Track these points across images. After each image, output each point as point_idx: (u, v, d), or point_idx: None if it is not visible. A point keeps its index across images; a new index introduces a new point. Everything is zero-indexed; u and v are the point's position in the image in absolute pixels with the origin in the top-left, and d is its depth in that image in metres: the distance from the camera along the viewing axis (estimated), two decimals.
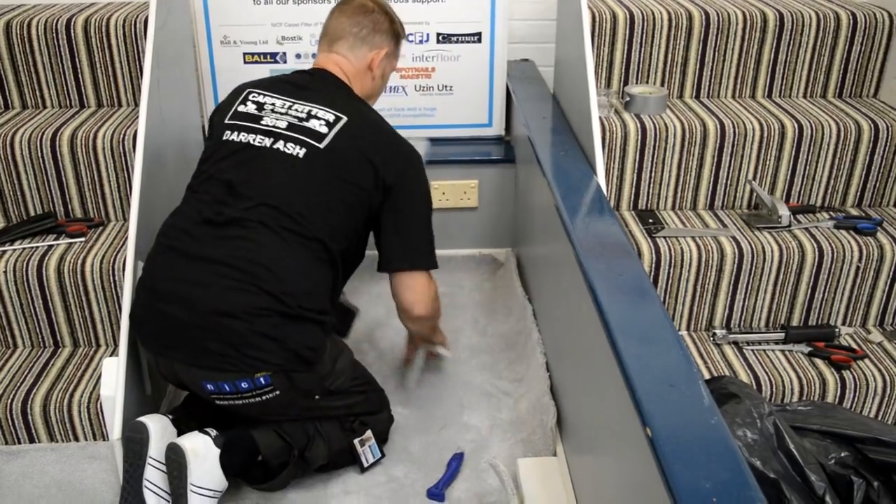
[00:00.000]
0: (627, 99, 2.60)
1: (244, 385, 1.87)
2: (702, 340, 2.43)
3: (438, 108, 3.01)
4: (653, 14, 2.64)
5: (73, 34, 2.58)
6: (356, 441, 2.10)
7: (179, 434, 1.94)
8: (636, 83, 2.72)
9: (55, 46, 2.59)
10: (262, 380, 1.87)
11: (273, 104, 2.10)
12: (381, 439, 2.18)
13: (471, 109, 3.02)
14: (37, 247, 2.35)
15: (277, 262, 1.92)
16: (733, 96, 2.76)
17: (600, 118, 2.42)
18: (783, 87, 2.75)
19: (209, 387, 1.89)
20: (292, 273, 1.93)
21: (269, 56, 2.93)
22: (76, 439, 2.22)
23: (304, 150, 2.00)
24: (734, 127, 2.51)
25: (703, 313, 2.45)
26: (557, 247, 2.12)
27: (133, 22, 2.57)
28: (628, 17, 2.63)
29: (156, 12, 2.35)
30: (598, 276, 1.76)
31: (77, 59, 2.61)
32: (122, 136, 2.44)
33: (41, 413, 2.17)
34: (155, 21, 2.34)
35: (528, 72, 3.17)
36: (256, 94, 2.14)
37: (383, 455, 2.16)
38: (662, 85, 2.73)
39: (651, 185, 2.58)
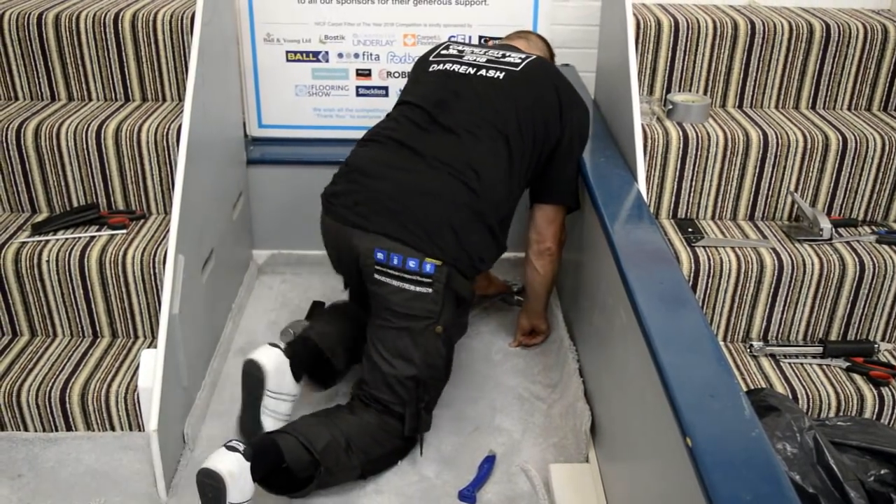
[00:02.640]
0: (670, 107, 2.59)
1: (411, 264, 2.03)
2: (738, 352, 2.41)
3: None
4: (698, 22, 2.62)
5: (120, 28, 2.61)
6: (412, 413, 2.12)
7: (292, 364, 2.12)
8: (679, 91, 2.70)
9: (102, 40, 2.62)
10: (428, 266, 2.03)
11: (473, 50, 2.41)
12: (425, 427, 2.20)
13: None
14: (79, 237, 2.37)
15: (482, 165, 2.14)
16: (777, 107, 2.74)
17: (642, 125, 2.41)
18: (828, 99, 2.73)
19: (379, 255, 2.04)
20: (493, 180, 2.14)
21: (311, 55, 2.94)
22: (112, 429, 2.24)
23: (503, 74, 2.28)
24: (777, 138, 2.49)
25: (740, 324, 2.44)
26: (596, 253, 2.11)
27: (180, 18, 2.60)
28: (673, 24, 2.62)
29: (202, 9, 2.38)
30: (639, 284, 1.75)
31: (124, 53, 2.64)
32: (165, 130, 2.46)
33: (79, 402, 2.20)
34: (201, 17, 2.36)
35: (569, 77, 3.15)
36: (457, 45, 2.47)
37: (408, 445, 2.18)
38: (705, 94, 2.71)
39: (691, 194, 2.57)
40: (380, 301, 2.09)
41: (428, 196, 2.08)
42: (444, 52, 2.43)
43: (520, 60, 2.32)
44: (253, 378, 2.07)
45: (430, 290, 2.04)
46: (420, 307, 2.06)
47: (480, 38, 2.91)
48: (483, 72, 2.29)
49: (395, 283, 2.05)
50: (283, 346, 2.15)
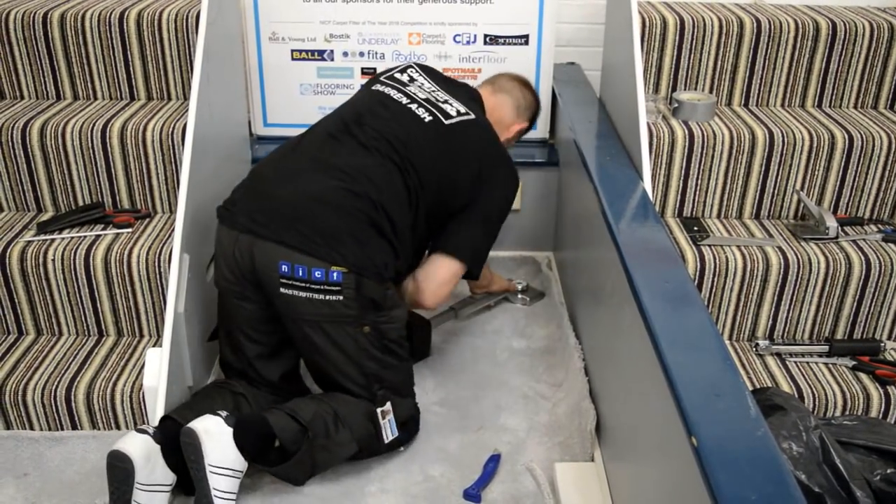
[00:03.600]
0: (675, 105, 2.58)
1: (317, 274, 1.96)
2: (744, 350, 2.41)
3: None
4: (703, 20, 2.62)
5: (125, 27, 2.61)
6: (378, 411, 2.10)
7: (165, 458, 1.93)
8: (684, 89, 2.70)
9: (108, 39, 2.62)
10: (335, 275, 1.97)
11: (422, 84, 2.34)
12: (401, 423, 2.16)
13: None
14: (84, 236, 2.38)
15: (381, 181, 2.09)
16: (783, 105, 2.73)
17: (647, 124, 2.40)
18: (834, 97, 2.72)
19: (283, 267, 1.97)
20: (390, 196, 2.09)
21: (316, 53, 2.94)
22: (118, 428, 2.25)
23: (430, 118, 2.22)
24: (783, 136, 2.48)
25: (746, 323, 2.43)
26: (601, 251, 2.11)
27: (185, 16, 2.60)
28: (678, 22, 2.62)
29: (207, 7, 2.37)
30: (644, 283, 1.74)
31: (129, 52, 2.65)
32: (171, 129, 2.46)
33: (84, 401, 2.20)
34: (206, 16, 2.36)
35: (574, 75, 3.16)
36: (414, 71, 2.39)
37: (402, 437, 2.15)
38: (711, 92, 2.70)
39: (697, 193, 2.56)
40: (291, 314, 2.04)
41: (326, 204, 2.03)
42: (397, 74, 2.38)
43: (455, 115, 2.25)
44: (119, 470, 1.87)
45: (339, 297, 1.99)
46: (331, 313, 2.01)
47: (486, 36, 2.91)
48: (414, 106, 2.23)
49: (302, 294, 1.99)
50: (151, 430, 1.94)
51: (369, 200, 2.05)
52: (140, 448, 1.88)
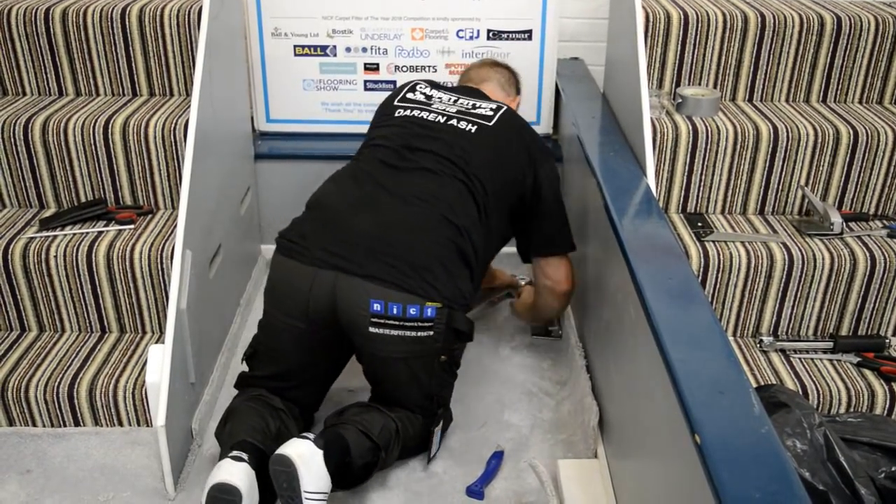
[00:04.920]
0: (679, 100, 2.57)
1: (412, 311, 1.89)
2: (748, 347, 2.40)
3: None
4: (707, 15, 2.61)
5: (127, 23, 2.60)
6: (434, 429, 2.09)
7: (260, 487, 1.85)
8: (688, 85, 2.69)
9: (110, 34, 2.62)
10: (429, 311, 1.91)
11: (440, 97, 2.32)
12: (446, 426, 2.19)
13: (519, 107, 3.01)
14: (87, 233, 2.37)
15: (457, 203, 2.05)
16: (787, 100, 2.72)
17: (651, 119, 2.39)
18: (838, 92, 2.71)
19: (376, 306, 1.88)
20: (468, 218, 2.06)
21: (319, 49, 2.94)
22: (120, 424, 2.24)
23: (475, 127, 2.19)
24: (787, 131, 2.47)
25: (750, 319, 2.42)
26: (605, 247, 2.10)
27: (187, 12, 2.59)
28: (682, 17, 2.60)
29: (210, 3, 2.37)
30: (648, 279, 1.74)
31: (131, 48, 2.64)
32: (173, 125, 2.46)
33: (87, 397, 2.20)
34: (209, 11, 2.36)
35: (577, 70, 3.15)
36: (424, 87, 2.37)
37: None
38: (715, 87, 2.69)
39: (701, 189, 2.55)
40: (379, 352, 1.99)
41: (412, 232, 1.97)
42: (409, 95, 2.34)
43: (491, 112, 2.26)
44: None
45: (431, 332, 1.94)
46: (421, 349, 1.97)
47: (489, 31, 2.90)
48: (454, 122, 2.20)
49: (394, 332, 1.92)
50: (246, 457, 1.85)
51: (454, 226, 2.00)
52: (245, 478, 1.80)
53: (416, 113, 2.25)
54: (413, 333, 1.92)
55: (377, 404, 2.07)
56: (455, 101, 2.30)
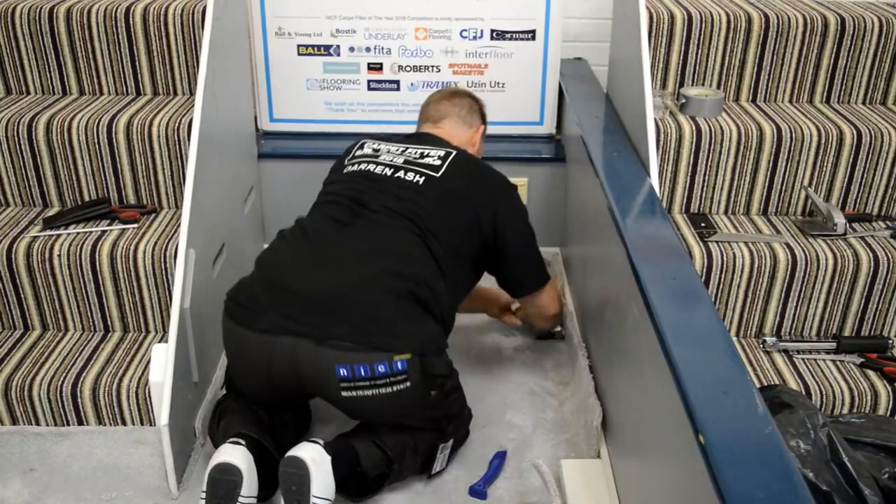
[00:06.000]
0: (683, 101, 2.57)
1: (381, 369, 1.82)
2: (751, 347, 2.40)
3: (490, 105, 2.98)
4: (711, 15, 2.61)
5: (131, 22, 2.60)
6: (440, 445, 2.06)
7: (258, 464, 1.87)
8: (692, 85, 2.68)
9: (114, 34, 2.62)
10: (398, 364, 1.84)
11: (388, 149, 2.25)
12: (464, 435, 2.19)
13: (522, 107, 3.01)
14: (90, 232, 2.38)
15: (413, 255, 2.01)
16: (791, 101, 2.72)
17: (655, 120, 2.39)
18: (842, 93, 2.71)
19: (342, 371, 1.83)
20: (425, 267, 2.01)
21: (322, 49, 2.94)
22: (123, 423, 2.25)
23: (423, 178, 2.13)
24: (791, 132, 2.47)
25: (753, 320, 2.42)
26: (608, 248, 2.10)
27: (191, 12, 2.59)
28: (686, 17, 2.60)
29: (213, 2, 2.37)
30: (651, 279, 1.74)
31: (135, 47, 2.64)
32: (177, 124, 2.46)
33: (90, 396, 2.20)
34: (213, 11, 2.36)
35: (581, 70, 3.15)
36: (372, 142, 2.31)
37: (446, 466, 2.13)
38: (719, 87, 2.69)
39: (704, 189, 2.55)
40: (357, 415, 1.99)
41: (368, 288, 1.90)
42: (358, 152, 2.28)
43: (440, 162, 2.17)
44: (225, 484, 1.80)
45: (407, 384, 1.87)
46: (402, 401, 1.90)
47: (492, 31, 2.90)
48: (401, 174, 2.14)
49: (368, 392, 1.85)
50: (244, 442, 1.86)
51: (410, 278, 1.95)
52: (244, 459, 1.81)
53: (363, 167, 2.20)
54: (388, 389, 1.86)
55: None
56: (403, 152, 2.22)
